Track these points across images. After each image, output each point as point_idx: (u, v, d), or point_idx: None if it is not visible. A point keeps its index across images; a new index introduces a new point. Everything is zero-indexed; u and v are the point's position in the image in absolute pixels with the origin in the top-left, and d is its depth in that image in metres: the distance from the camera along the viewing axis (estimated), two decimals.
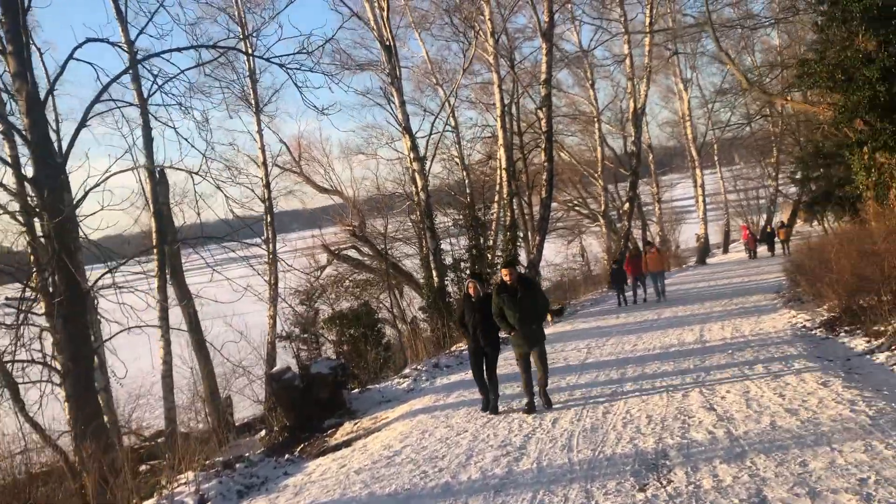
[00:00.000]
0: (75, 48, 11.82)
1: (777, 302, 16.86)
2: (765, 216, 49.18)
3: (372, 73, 26.77)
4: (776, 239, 36.71)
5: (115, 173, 11.99)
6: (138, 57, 14.38)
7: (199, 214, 18.38)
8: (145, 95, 16.62)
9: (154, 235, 17.09)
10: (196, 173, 13.81)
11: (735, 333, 12.96)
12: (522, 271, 22.64)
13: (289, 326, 15.19)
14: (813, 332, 11.92)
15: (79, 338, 10.75)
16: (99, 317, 13.73)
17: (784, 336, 11.85)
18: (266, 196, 21.13)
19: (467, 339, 9.72)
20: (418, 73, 30.28)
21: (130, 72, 16.26)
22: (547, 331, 15.10)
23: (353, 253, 28.11)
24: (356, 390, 12.28)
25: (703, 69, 52.57)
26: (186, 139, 16.92)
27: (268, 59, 13.19)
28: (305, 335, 14.88)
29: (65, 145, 12.53)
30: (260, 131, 21.44)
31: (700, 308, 17.73)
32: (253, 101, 21.18)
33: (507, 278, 8.77)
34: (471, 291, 9.22)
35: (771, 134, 44.37)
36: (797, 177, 34.73)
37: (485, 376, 9.43)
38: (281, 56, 15.35)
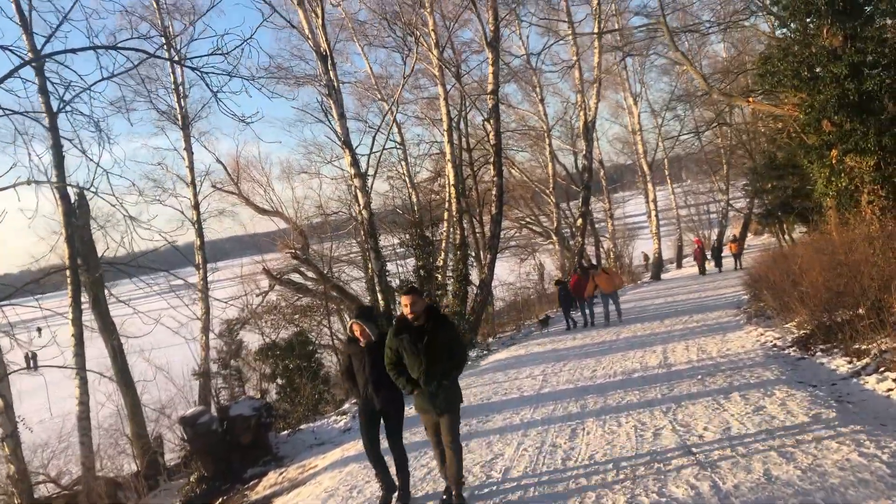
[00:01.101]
0: None
1: (740, 318, 15.97)
2: (716, 230, 49.06)
3: (313, 90, 25.36)
4: (726, 253, 36.28)
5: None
6: (33, 58, 12.80)
7: (122, 241, 16.99)
8: (54, 109, 15.07)
9: (67, 262, 15.45)
10: (92, 191, 12.08)
11: (701, 355, 11.94)
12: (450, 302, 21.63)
13: (207, 362, 13.70)
14: (786, 351, 10.95)
15: None
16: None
17: (755, 357, 10.85)
18: (196, 218, 19.62)
19: (356, 398, 7.37)
20: (361, 89, 29.13)
21: (37, 83, 14.79)
22: (501, 356, 13.91)
23: (296, 277, 26.63)
24: (285, 432, 10.89)
25: (651, 85, 52.45)
26: (94, 160, 15.28)
27: (175, 61, 11.75)
28: (226, 371, 13.40)
29: None
30: (188, 148, 19.95)
31: (660, 326, 16.76)
32: (179, 116, 19.72)
33: (408, 312, 6.12)
34: (357, 335, 6.63)
35: (720, 147, 44.25)
36: (750, 188, 34.47)
37: (388, 449, 6.86)
38: (193, 58, 13.91)
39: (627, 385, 10.22)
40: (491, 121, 20.08)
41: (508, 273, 37.49)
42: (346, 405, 12.93)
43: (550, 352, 15.66)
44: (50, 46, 14.82)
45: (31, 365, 22.58)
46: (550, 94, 38.25)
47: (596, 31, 25.35)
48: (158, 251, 23.96)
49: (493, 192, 21.52)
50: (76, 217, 17.72)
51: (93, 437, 16.51)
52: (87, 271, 17.95)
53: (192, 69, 12.89)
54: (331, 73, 18.46)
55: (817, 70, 12.99)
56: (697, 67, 35.15)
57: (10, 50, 10.62)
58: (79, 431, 15.25)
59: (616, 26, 28.31)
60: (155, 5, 17.63)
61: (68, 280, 15.36)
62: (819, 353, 10.12)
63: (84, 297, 15.99)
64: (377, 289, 19.21)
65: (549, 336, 18.58)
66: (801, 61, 13.02)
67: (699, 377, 9.90)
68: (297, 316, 19.44)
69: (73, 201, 17.82)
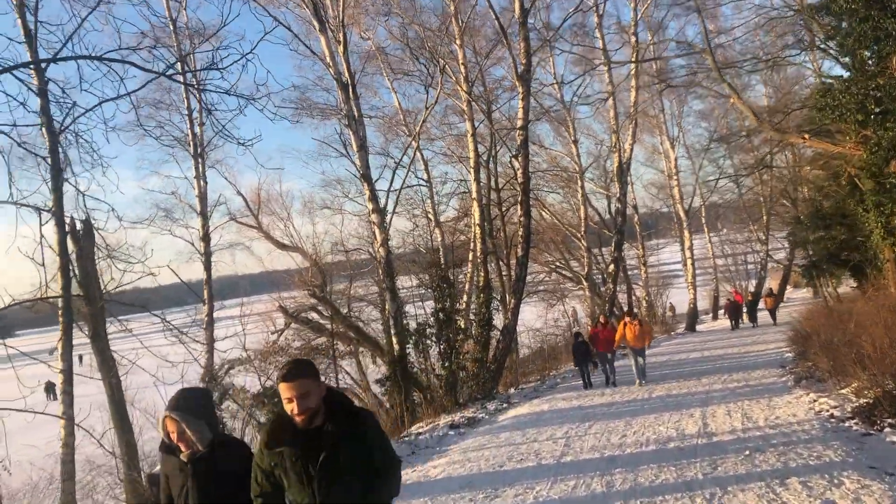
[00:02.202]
0: None
1: (786, 379, 14.47)
2: (754, 282, 47.14)
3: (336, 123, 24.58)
4: (762, 307, 34.45)
5: None
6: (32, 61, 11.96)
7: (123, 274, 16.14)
8: (56, 131, 14.27)
9: (60, 292, 14.50)
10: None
11: (746, 423, 10.50)
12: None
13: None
14: (846, 424, 9.48)
15: None
16: None
17: (811, 430, 9.41)
18: (204, 250, 18.69)
19: None
20: (388, 124, 28.30)
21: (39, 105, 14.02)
22: (522, 410, 12.55)
23: (314, 316, 25.55)
24: None
25: (689, 130, 51.13)
26: (96, 198, 14.39)
27: (169, 76, 10.82)
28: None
29: None
30: (199, 177, 19.11)
31: (697, 385, 15.29)
32: (191, 143, 18.92)
33: (293, 410, 3.58)
34: (172, 437, 3.94)
35: (760, 196, 42.65)
36: (792, 239, 32.85)
37: None
38: (186, 73, 13.04)
39: (662, 458, 8.83)
40: (519, 157, 18.98)
41: (535, 319, 36.08)
42: None
43: (576, 409, 14.25)
44: (56, 70, 14.15)
45: (52, 395, 21.70)
46: (584, 136, 37.11)
47: (633, 60, 24.22)
48: (163, 286, 23.16)
49: (520, 234, 20.32)
50: (80, 244, 16.92)
51: (82, 475, 15.47)
52: (88, 303, 17.06)
53: (187, 85, 12.06)
54: (352, 102, 17.57)
55: (887, 103, 11.60)
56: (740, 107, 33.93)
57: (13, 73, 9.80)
58: (61, 476, 14.13)
59: (654, 59, 27.24)
60: (171, 27, 16.99)
61: (59, 312, 14.43)
62: (888, 429, 8.66)
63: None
64: (392, 331, 18.04)
65: (576, 390, 17.13)
66: (866, 94, 11.68)
67: (747, 452, 8.49)
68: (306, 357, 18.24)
69: (78, 228, 17.04)
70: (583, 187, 33.57)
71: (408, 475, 10.24)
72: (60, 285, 14.63)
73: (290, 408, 3.54)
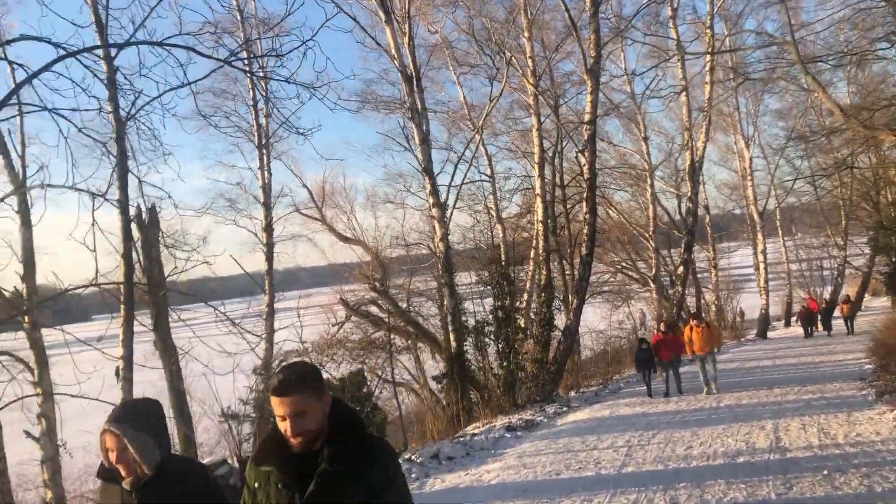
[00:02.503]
0: None
1: (867, 393, 13.56)
2: (829, 289, 45.11)
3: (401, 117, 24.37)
4: (837, 314, 32.79)
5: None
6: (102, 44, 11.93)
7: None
8: (123, 119, 14.35)
9: (123, 279, 14.60)
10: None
11: (824, 438, 9.78)
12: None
13: (238, 403, 12.40)
14: None
15: None
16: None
17: None
18: (266, 241, 18.68)
19: None
20: (452, 119, 27.94)
21: (108, 91, 14.11)
22: (581, 415, 12.11)
23: (372, 309, 25.49)
24: None
25: (765, 129, 49.09)
26: (156, 186, 14.43)
27: (229, 63, 10.66)
28: (257, 415, 12.03)
29: None
30: (263, 168, 19.09)
31: (769, 395, 14.48)
32: (256, 134, 18.92)
33: (287, 429, 2.78)
34: (111, 457, 3.02)
35: (839, 199, 40.71)
36: (874, 244, 31.24)
37: None
38: (249, 59, 12.90)
39: (731, 473, 8.24)
40: (586, 153, 18.37)
41: (599, 320, 35.29)
42: (406, 455, 11.34)
43: (639, 416, 13.64)
44: (123, 59, 14.25)
45: (119, 379, 22.13)
46: (654, 133, 36.02)
47: (708, 50, 23.23)
48: (226, 276, 23.32)
49: (585, 232, 19.72)
50: (145, 231, 17.11)
51: None
52: (151, 291, 17.24)
53: (249, 73, 11.93)
54: (416, 95, 17.28)
55: None
56: (823, 105, 32.37)
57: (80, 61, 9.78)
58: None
59: (731, 51, 26.09)
60: (239, 17, 16.98)
61: (121, 298, 14.55)
62: None
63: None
64: (450, 328, 17.72)
65: (640, 396, 16.45)
66: None
67: (825, 472, 7.84)
68: (361, 352, 18.09)
69: (143, 215, 17.23)
70: (652, 186, 32.60)
71: (461, 478, 9.90)
72: (123, 272, 14.78)
73: (283, 427, 2.78)
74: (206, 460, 9.49)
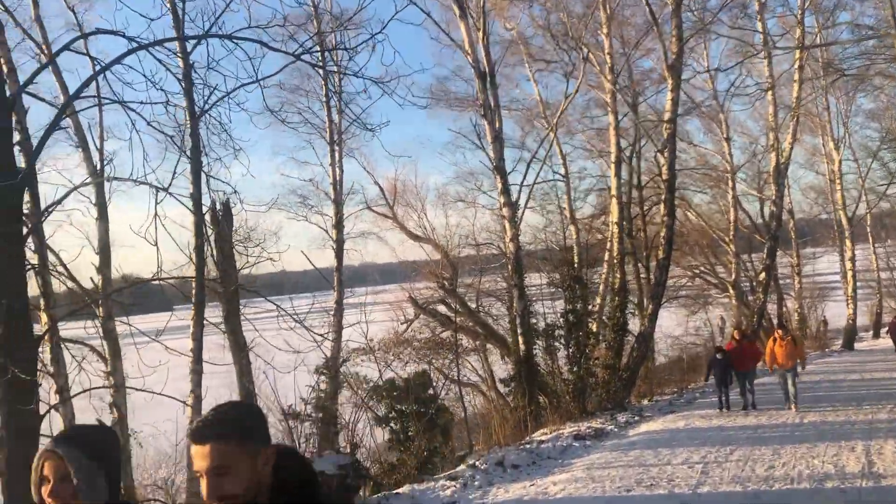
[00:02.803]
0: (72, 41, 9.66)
1: None
2: None
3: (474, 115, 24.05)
4: None
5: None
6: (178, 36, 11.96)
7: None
8: (196, 113, 14.47)
9: (194, 273, 14.73)
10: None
11: None
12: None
13: (301, 401, 12.28)
14: None
15: (25, 399, 8.23)
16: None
17: None
18: (336, 237, 18.65)
19: None
20: (526, 117, 27.46)
21: (182, 86, 14.25)
22: (654, 425, 11.64)
23: (440, 308, 25.27)
24: (377, 495, 9.16)
25: (856, 131, 46.61)
26: (221, 180, 14.51)
27: (296, 56, 10.50)
28: (319, 414, 11.89)
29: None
30: (334, 165, 19.06)
31: (858, 413, 13.57)
32: (328, 130, 18.90)
33: (203, 492, 1.97)
34: (44, 491, 2.28)
35: None
36: None
37: None
38: (315, 51, 12.74)
39: (818, 500, 7.62)
40: (665, 153, 17.68)
41: (675, 326, 34.24)
42: (462, 465, 11.03)
43: (716, 430, 12.97)
44: (197, 55, 14.37)
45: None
46: (737, 133, 34.62)
47: (798, 45, 22.08)
48: (284, 272, 23.41)
49: (662, 235, 19.01)
50: (219, 226, 17.30)
51: None
52: (223, 285, 17.42)
53: (315, 66, 11.77)
54: (489, 91, 16.95)
55: None
56: None
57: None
58: (186, 453, 14.42)
59: (823, 45, 24.72)
60: (314, 12, 16.94)
61: (193, 292, 14.69)
62: None
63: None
64: (518, 330, 17.32)
65: (717, 408, 15.64)
66: None
67: None
68: (428, 352, 17.85)
69: (217, 210, 17.43)
70: (734, 188, 31.39)
71: (525, 489, 9.52)
72: (194, 266, 14.93)
73: (202, 488, 1.99)
74: None
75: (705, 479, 9.04)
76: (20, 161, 9.58)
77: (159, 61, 10.61)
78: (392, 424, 12.38)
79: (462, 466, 10.94)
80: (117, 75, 10.46)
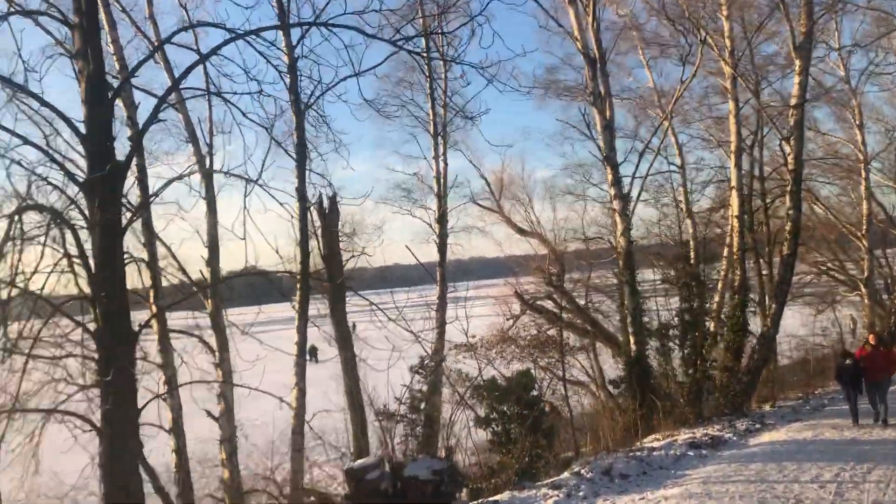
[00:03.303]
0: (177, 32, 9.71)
1: None
2: None
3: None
4: None
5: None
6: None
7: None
8: (301, 107, 14.49)
9: (299, 268, 14.77)
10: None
11: None
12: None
13: (395, 402, 11.90)
14: None
15: (121, 392, 8.31)
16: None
17: None
18: (439, 232, 18.36)
19: None
20: (639, 106, 26.22)
21: (287, 78, 14.28)
22: (778, 435, 10.73)
23: (547, 304, 24.57)
24: (475, 502, 8.72)
25: None
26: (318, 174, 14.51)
27: (401, 47, 10.19)
28: (414, 416, 11.49)
29: None
30: (437, 157, 18.76)
31: None
32: (432, 122, 18.58)
33: None
34: None
35: None
36: None
37: None
38: (412, 39, 12.37)
39: None
40: (791, 141, 16.40)
41: (799, 326, 32.12)
42: (566, 473, 10.46)
43: (849, 443, 11.82)
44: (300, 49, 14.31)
45: (314, 359, 23.00)
46: (872, 121, 32.01)
47: None
48: (397, 265, 23.30)
49: (787, 229, 17.69)
50: (325, 219, 17.35)
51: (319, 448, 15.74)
52: (330, 278, 17.46)
53: (415, 53, 11.46)
54: (599, 79, 16.20)
55: None
56: None
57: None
58: (291, 445, 14.46)
59: None
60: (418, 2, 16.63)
61: (297, 286, 14.72)
62: None
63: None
64: (629, 329, 16.53)
65: (847, 417, 14.24)
66: None
67: None
68: (533, 350, 17.27)
69: (324, 203, 17.47)
70: (867, 179, 29.05)
71: (634, 503, 8.86)
72: (300, 259, 14.95)
73: None
74: (356, 462, 9.17)
75: (839, 502, 8.12)
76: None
77: (261, 54, 10.54)
78: (493, 426, 11.90)
79: (566, 474, 10.37)
80: (222, 70, 10.39)
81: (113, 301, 8.26)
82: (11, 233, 7.45)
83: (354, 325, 18.23)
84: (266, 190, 11.65)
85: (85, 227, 8.40)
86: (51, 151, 8.31)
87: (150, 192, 12.33)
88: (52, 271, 7.98)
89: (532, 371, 14.63)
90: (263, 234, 11.28)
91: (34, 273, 7.94)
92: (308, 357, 23.59)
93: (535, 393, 12.26)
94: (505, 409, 11.76)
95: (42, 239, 7.87)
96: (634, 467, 10.83)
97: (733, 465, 10.65)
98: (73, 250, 8.15)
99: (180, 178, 10.20)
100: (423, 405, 11.61)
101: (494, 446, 11.67)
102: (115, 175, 8.35)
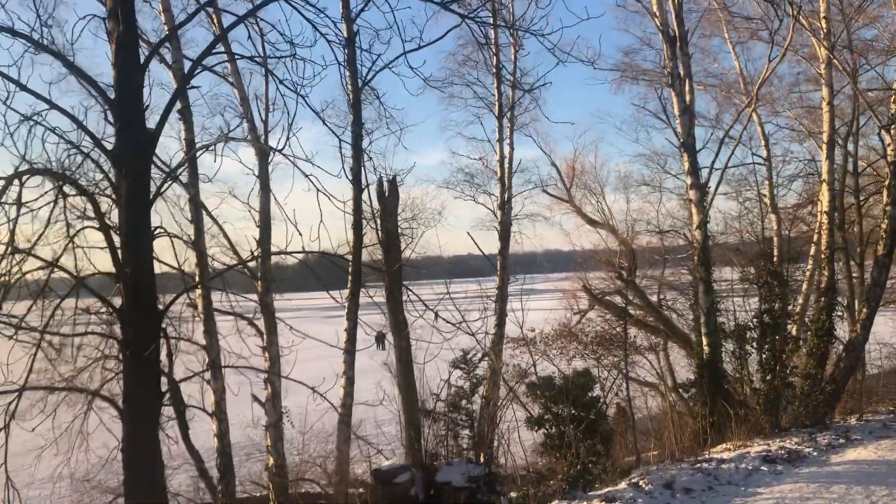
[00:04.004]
0: None
1: None
2: None
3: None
4: None
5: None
6: None
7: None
8: (359, 84, 13.90)
9: (351, 251, 14.20)
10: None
11: None
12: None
13: (433, 399, 11.13)
14: None
15: (146, 374, 7.88)
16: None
17: None
18: (501, 219, 17.55)
19: None
20: (722, 90, 24.72)
21: (345, 54, 13.68)
22: (865, 453, 9.71)
23: (615, 299, 23.48)
24: None
25: None
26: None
27: (466, 17, 9.40)
28: (455, 414, 10.69)
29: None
30: (501, 140, 17.92)
31: None
32: (497, 103, 17.75)
33: None
34: None
35: None
36: None
37: None
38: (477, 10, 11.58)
39: None
40: (892, 130, 14.92)
41: (892, 333, 29.96)
42: (623, 483, 9.57)
43: None
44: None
45: (381, 346, 22.67)
46: None
47: None
48: (471, 255, 22.56)
49: (884, 228, 16.17)
50: (384, 203, 16.78)
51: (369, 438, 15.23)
52: (387, 264, 16.91)
53: (479, 22, 10.69)
54: (678, 58, 15.06)
55: None
56: None
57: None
58: (337, 436, 13.94)
59: None
60: None
61: (349, 270, 14.14)
62: None
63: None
64: (702, 330, 15.39)
65: None
66: None
67: None
68: (597, 347, 16.28)
69: (384, 187, 16.90)
70: None
71: None
72: (352, 242, 14.37)
73: None
74: (384, 464, 8.51)
75: None
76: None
77: (314, 27, 9.95)
78: (546, 427, 11.06)
79: (623, 484, 9.47)
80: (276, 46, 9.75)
81: (139, 277, 7.82)
82: (15, 198, 7.03)
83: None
84: (318, 169, 10.98)
85: (112, 199, 7.98)
86: (80, 119, 7.84)
87: (199, 171, 11.99)
88: (69, 244, 7.54)
89: (595, 370, 13.71)
90: (322, 216, 10.59)
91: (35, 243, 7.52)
92: (377, 344, 23.27)
93: (594, 394, 11.35)
94: (560, 409, 10.89)
95: (50, 208, 7.42)
96: (700, 481, 9.85)
97: (812, 486, 9.55)
98: (96, 223, 7.72)
99: (224, 141, 9.60)
100: (463, 402, 10.81)
101: (547, 450, 10.84)
102: (145, 144, 7.90)
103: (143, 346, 7.83)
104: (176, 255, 9.43)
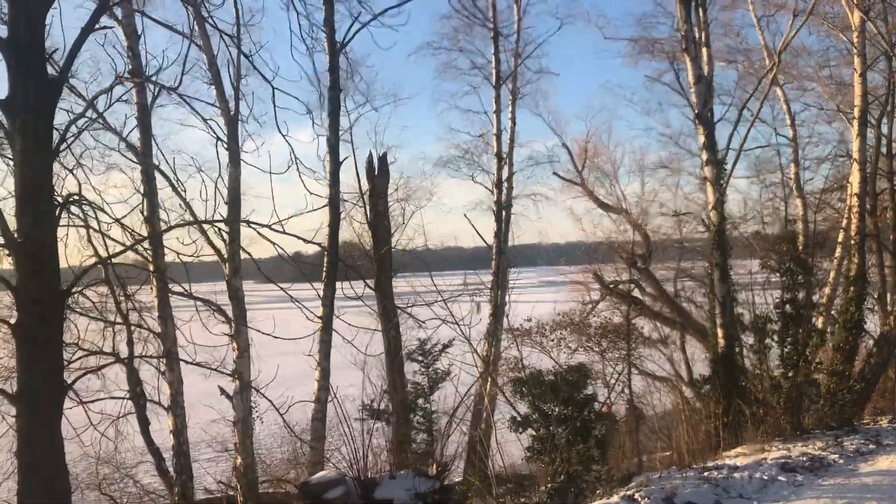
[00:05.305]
0: None
1: None
2: None
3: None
4: None
5: None
6: None
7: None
8: (337, 45, 12.68)
9: (327, 229, 13.02)
10: None
11: None
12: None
13: (384, 399, 9.85)
14: None
15: (43, 364, 6.74)
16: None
17: None
18: (497, 198, 16.26)
19: None
20: (748, 68, 23.16)
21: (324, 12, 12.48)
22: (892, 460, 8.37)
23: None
24: None
25: None
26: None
27: None
28: (416, 414, 9.42)
29: None
30: (499, 111, 16.56)
31: None
32: (495, 71, 16.38)
33: None
34: None
35: None
36: None
37: None
38: None
39: None
40: None
41: None
42: (615, 498, 8.28)
43: None
44: None
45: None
46: None
47: None
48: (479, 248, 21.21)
49: None
50: (373, 181, 15.61)
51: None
52: (376, 247, 15.79)
53: None
54: (692, 20, 13.65)
55: None
56: None
57: None
58: (311, 433, 12.80)
59: None
60: None
61: (325, 252, 12.97)
62: None
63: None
64: (717, 321, 14.04)
65: None
66: None
67: None
68: (602, 340, 14.96)
69: (374, 164, 15.72)
70: None
71: None
72: (329, 221, 13.15)
73: None
74: (314, 476, 7.31)
75: None
76: None
77: None
78: (532, 429, 9.75)
79: (615, 498, 8.16)
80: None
81: (37, 249, 6.66)
82: None
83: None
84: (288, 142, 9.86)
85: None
86: None
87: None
88: None
89: (599, 364, 12.44)
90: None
91: None
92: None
93: (588, 392, 10.03)
94: (546, 408, 9.58)
95: None
96: (706, 495, 8.52)
97: (839, 500, 8.20)
98: None
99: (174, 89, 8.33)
100: (420, 401, 9.55)
101: (533, 454, 9.55)
102: (45, 94, 6.72)
103: (42, 332, 6.69)
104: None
